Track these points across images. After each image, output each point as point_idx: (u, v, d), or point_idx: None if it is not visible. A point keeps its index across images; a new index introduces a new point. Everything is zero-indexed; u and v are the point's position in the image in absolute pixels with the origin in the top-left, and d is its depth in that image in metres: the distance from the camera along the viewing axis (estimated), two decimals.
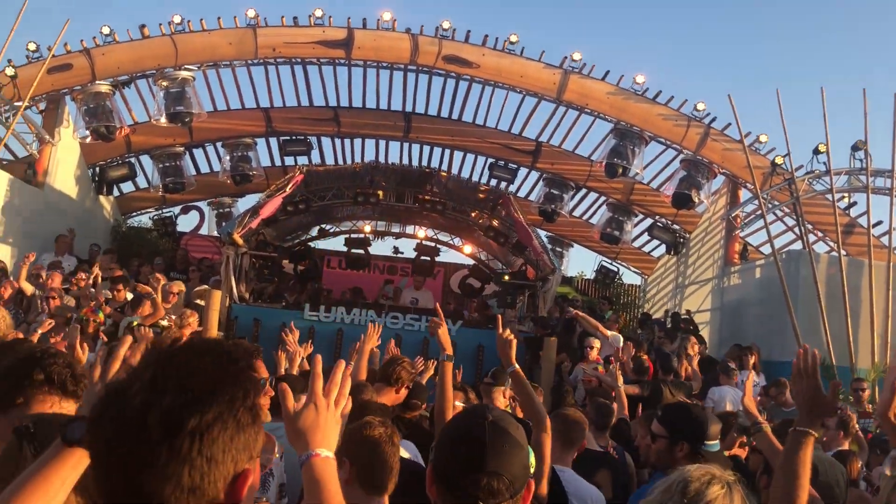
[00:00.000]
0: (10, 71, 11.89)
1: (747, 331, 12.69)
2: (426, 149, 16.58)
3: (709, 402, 8.51)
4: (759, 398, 7.01)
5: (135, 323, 7.44)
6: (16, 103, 11.80)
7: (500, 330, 3.61)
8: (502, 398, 5.38)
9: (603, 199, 16.09)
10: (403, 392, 4.80)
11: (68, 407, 2.23)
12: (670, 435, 3.60)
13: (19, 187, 12.48)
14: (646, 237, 16.59)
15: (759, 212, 12.62)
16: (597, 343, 10.00)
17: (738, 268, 14.12)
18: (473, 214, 15.58)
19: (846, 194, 13.00)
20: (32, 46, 12.46)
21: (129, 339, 3.12)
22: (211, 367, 1.11)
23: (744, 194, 13.89)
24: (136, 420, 1.04)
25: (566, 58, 13.45)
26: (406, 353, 6.53)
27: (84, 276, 9.89)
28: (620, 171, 13.60)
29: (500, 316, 5.06)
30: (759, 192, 12.22)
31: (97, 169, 15.19)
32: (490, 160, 15.82)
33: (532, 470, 1.92)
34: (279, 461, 3.39)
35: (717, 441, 3.66)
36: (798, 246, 13.16)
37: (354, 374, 5.51)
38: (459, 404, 4.33)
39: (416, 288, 15.13)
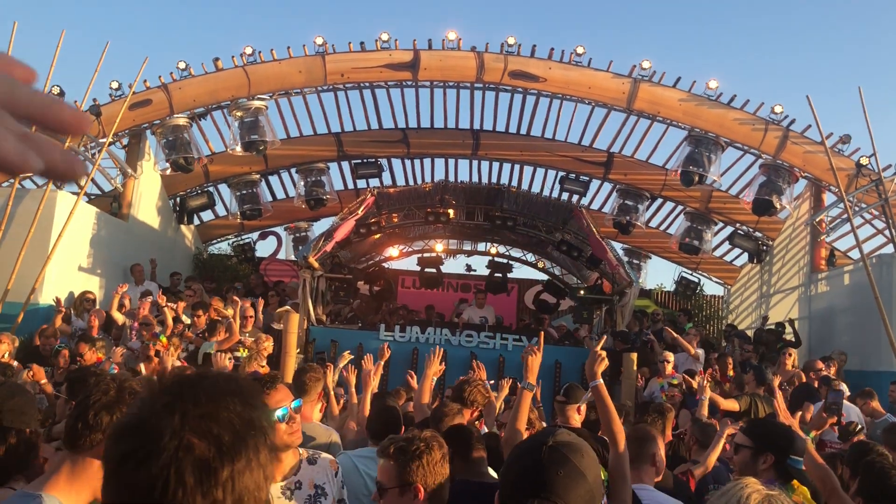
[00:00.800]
0: (94, 110, 12.46)
1: (838, 340, 12.13)
2: (495, 165, 16.57)
3: None
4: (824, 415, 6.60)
5: (212, 350, 7.60)
6: (101, 140, 12.33)
7: (597, 346, 3.64)
8: (577, 415, 5.23)
9: (680, 208, 15.71)
10: (476, 414, 4.74)
11: None
12: (755, 445, 3.46)
13: (105, 220, 12.99)
14: (727, 246, 16.10)
15: (846, 215, 12.05)
16: (671, 357, 9.85)
17: (825, 274, 13.54)
18: (545, 229, 15.42)
19: None
20: (115, 85, 13.04)
21: None
22: (238, 411, 1.12)
23: (828, 198, 13.36)
24: (168, 466, 1.05)
25: (635, 66, 13.24)
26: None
27: (167, 305, 10.18)
28: (697, 178, 13.26)
29: (604, 336, 4.98)
30: (844, 194, 11.69)
31: (178, 199, 15.74)
32: (560, 174, 15.68)
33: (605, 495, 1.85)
34: (336, 478, 3.38)
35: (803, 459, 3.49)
36: (889, 249, 12.53)
37: (417, 398, 5.51)
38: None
39: (479, 307, 14.87)
